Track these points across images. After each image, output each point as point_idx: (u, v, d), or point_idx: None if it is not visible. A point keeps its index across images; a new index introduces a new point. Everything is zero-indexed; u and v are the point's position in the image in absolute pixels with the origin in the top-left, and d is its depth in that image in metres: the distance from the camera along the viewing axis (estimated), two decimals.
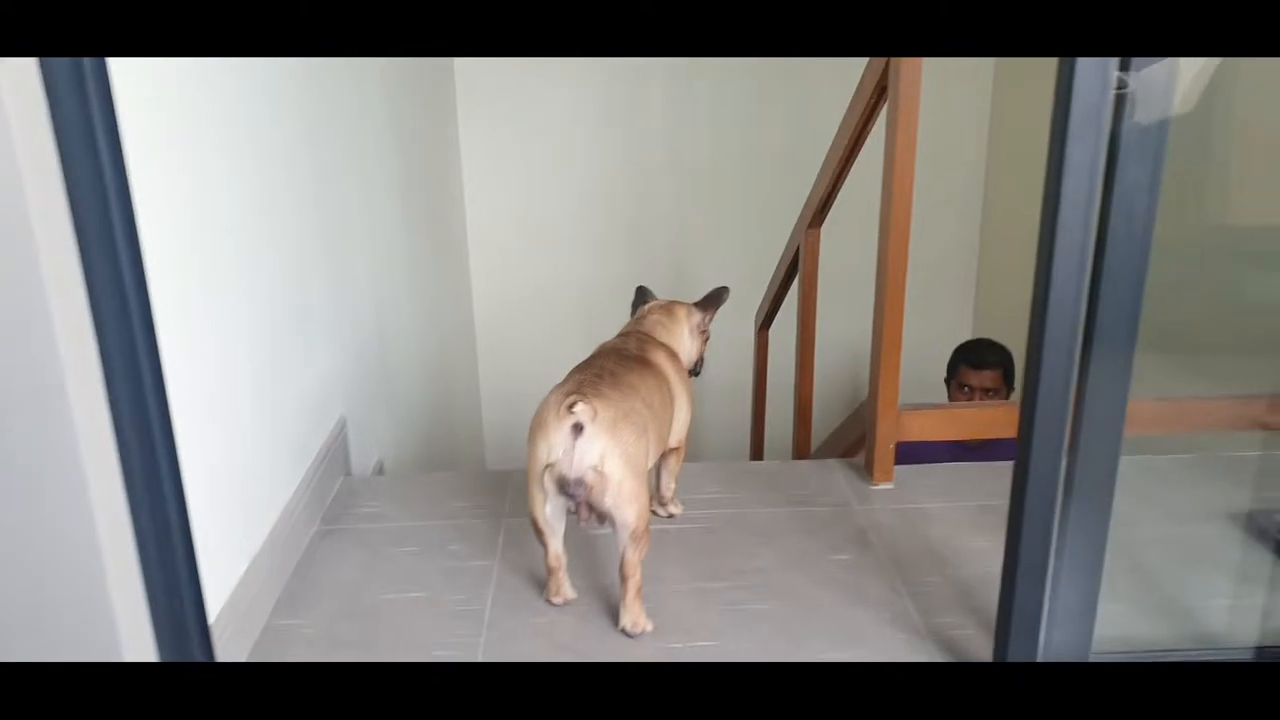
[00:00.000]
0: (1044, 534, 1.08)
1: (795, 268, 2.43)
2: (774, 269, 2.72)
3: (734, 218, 3.78)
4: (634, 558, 1.38)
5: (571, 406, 1.32)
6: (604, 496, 1.34)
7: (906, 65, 1.61)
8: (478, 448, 3.96)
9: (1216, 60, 2.43)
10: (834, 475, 1.91)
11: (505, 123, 3.70)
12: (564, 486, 1.34)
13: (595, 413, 1.33)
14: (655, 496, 1.73)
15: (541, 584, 1.49)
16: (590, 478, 1.32)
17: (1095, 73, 0.95)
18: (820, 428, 2.53)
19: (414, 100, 2.96)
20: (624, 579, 1.39)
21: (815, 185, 2.25)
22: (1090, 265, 1.01)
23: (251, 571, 1.40)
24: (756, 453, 3.30)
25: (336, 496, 1.82)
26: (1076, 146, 0.96)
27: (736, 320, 3.15)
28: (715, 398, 3.61)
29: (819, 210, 2.27)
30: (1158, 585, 1.54)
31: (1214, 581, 1.56)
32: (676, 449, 1.67)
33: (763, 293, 2.91)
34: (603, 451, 1.33)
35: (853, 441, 2.02)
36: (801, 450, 2.56)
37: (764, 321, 3.00)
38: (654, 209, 3.85)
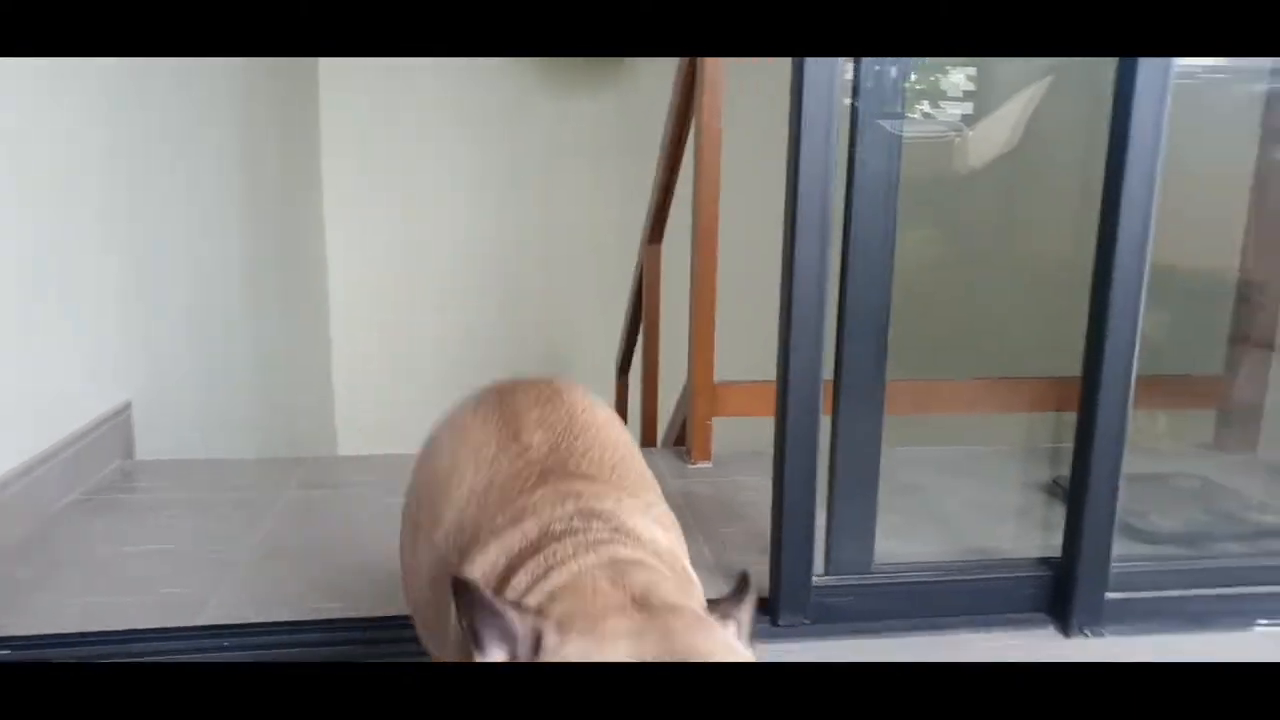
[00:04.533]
0: (807, 471, 1.17)
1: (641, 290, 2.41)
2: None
3: (608, 282, 3.71)
4: None
5: None
6: None
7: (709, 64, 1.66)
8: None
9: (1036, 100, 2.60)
10: (652, 457, 1.83)
11: (371, 168, 3.59)
12: None
13: None
14: None
15: (324, 540, 1.36)
16: None
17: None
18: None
19: (273, 123, 2.94)
20: None
21: (650, 198, 2.27)
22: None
23: None
24: None
25: (109, 475, 1.66)
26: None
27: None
28: None
29: (655, 223, 2.28)
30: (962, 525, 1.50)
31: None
32: None
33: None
34: None
35: (682, 427, 1.95)
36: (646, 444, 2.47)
37: (622, 364, 2.95)
38: (527, 272, 3.79)
